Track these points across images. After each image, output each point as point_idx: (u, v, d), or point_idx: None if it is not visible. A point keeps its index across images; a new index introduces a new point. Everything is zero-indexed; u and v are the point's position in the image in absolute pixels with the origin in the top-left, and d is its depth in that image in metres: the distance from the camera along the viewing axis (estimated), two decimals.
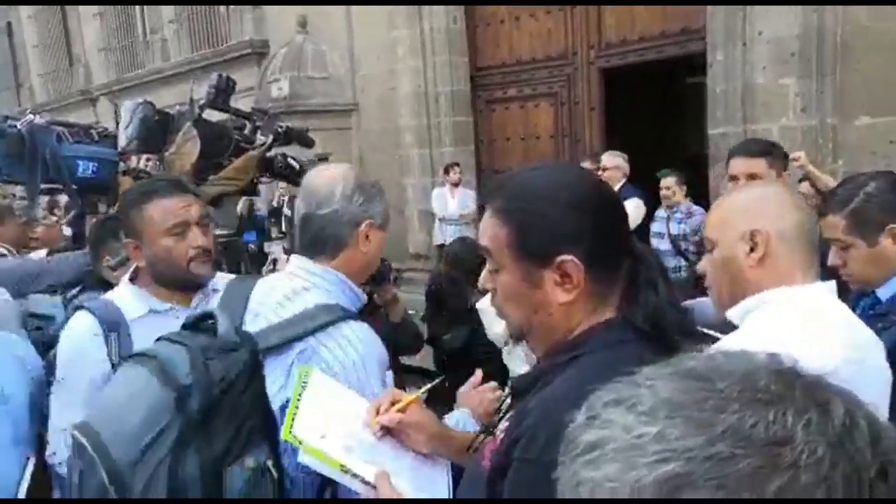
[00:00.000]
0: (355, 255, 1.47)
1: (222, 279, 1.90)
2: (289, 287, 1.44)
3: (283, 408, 1.26)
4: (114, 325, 1.76)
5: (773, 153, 2.50)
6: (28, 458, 1.84)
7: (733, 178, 2.46)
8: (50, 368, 1.88)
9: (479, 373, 1.61)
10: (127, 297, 1.83)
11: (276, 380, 1.35)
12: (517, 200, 1.00)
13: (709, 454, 0.42)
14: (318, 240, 1.45)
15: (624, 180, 5.60)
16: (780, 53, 5.12)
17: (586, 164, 6.40)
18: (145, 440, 1.14)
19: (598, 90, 6.98)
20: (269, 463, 1.21)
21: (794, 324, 1.23)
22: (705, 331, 1.32)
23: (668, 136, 10.33)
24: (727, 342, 1.23)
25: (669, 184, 5.24)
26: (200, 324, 1.33)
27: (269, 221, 7.80)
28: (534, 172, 1.07)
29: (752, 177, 2.39)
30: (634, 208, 5.19)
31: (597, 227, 0.98)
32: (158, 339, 1.31)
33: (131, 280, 1.87)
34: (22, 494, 1.78)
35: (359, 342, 1.39)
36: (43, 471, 1.84)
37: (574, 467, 0.48)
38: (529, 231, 0.98)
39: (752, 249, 1.33)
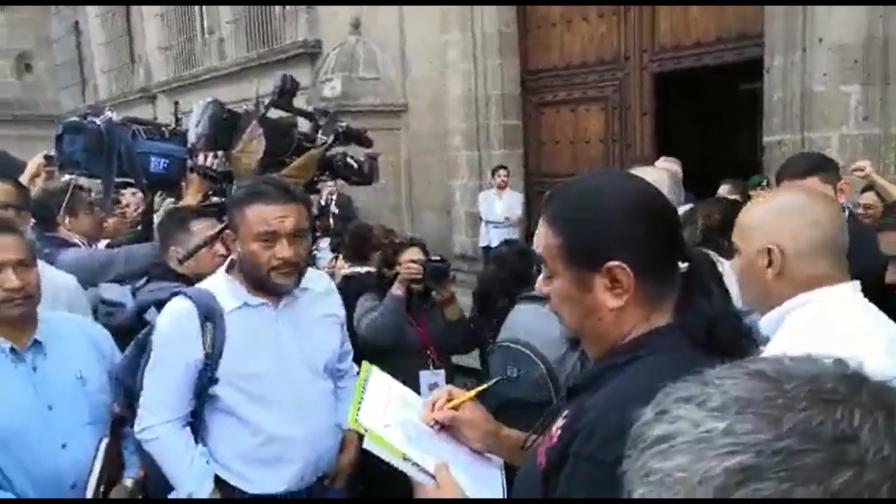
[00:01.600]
0: None
1: (310, 275, 1.98)
2: None
3: None
4: (210, 314, 1.84)
5: (823, 167, 2.39)
6: (101, 439, 1.94)
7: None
8: (137, 350, 1.98)
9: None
10: (222, 289, 1.90)
11: None
12: (568, 209, 1.04)
13: (777, 448, 0.44)
14: None
15: None
16: (842, 60, 4.98)
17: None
18: (563, 349, 2.02)
19: (651, 95, 6.90)
20: None
21: (831, 329, 1.32)
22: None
23: (719, 142, 10.14)
24: (770, 351, 1.26)
25: (724, 192, 5.14)
26: None
27: (318, 219, 7.97)
28: (586, 182, 1.10)
29: None
30: None
31: (647, 235, 1.00)
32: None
33: (227, 271, 1.95)
34: (96, 471, 1.89)
35: None
36: (116, 450, 1.95)
37: (643, 459, 0.51)
38: (579, 238, 1.01)
39: (769, 264, 1.42)
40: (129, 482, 1.97)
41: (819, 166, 2.41)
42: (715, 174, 5.58)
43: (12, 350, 1.85)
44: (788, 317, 1.40)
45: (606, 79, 7.18)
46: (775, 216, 1.47)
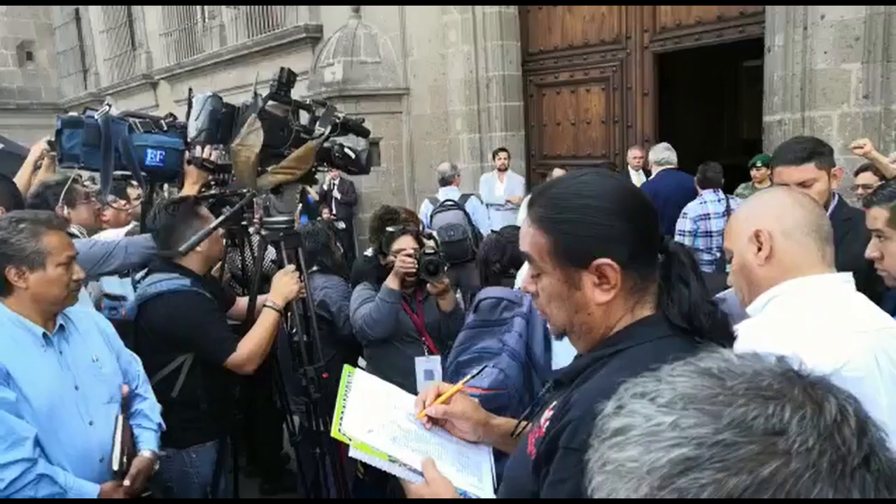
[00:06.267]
0: None
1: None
2: None
3: None
4: None
5: (820, 153, 2.35)
6: (117, 416, 2.10)
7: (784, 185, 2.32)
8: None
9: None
10: None
11: None
12: (556, 210, 1.07)
13: (715, 441, 0.49)
14: None
15: (659, 170, 5.59)
16: (843, 38, 4.95)
17: (636, 151, 6.35)
18: None
19: (651, 75, 6.87)
20: None
21: (801, 319, 1.33)
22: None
23: (723, 120, 10.10)
24: (740, 330, 1.27)
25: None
26: None
27: (319, 205, 8.02)
28: (569, 182, 1.12)
29: (803, 184, 2.27)
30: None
31: (631, 232, 1.04)
32: None
33: None
34: (117, 445, 2.05)
35: None
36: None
37: (602, 450, 0.56)
38: (568, 239, 1.05)
39: (759, 249, 1.43)
40: (147, 453, 2.11)
41: (814, 152, 2.35)
42: (718, 153, 5.58)
43: (44, 335, 1.98)
44: (770, 304, 1.41)
45: (607, 59, 7.14)
46: (758, 206, 1.51)
